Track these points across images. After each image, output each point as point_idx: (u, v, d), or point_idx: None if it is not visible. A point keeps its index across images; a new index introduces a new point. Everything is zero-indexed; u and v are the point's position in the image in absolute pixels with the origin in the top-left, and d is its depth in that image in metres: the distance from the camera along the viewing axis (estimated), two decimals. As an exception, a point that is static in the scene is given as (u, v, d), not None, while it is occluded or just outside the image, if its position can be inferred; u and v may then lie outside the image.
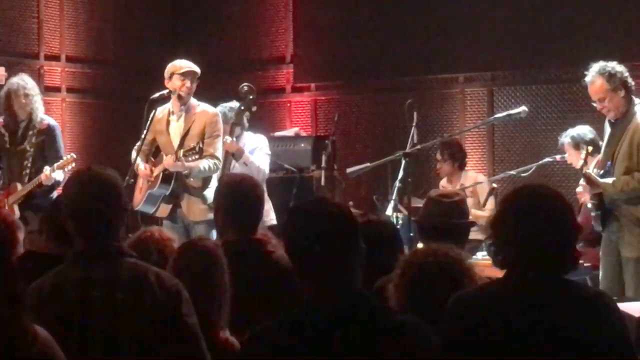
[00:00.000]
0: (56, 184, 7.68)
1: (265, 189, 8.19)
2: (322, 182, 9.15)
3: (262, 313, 4.19)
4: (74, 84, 10.60)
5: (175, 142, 7.49)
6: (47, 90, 10.35)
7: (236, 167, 7.95)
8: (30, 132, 7.78)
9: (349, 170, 7.59)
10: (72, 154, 7.72)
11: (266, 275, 4.46)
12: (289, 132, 10.32)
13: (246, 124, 8.14)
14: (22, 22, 10.26)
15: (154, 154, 7.74)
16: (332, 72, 10.96)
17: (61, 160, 7.61)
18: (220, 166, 7.54)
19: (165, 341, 3.43)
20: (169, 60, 7.74)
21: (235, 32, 11.41)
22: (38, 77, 10.34)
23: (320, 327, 2.95)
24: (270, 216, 8.20)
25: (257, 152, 8.13)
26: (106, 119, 9.91)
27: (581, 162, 6.72)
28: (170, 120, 7.61)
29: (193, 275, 3.85)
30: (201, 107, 7.60)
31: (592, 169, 6.68)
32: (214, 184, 7.36)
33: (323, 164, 9.20)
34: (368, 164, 7.37)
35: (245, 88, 8.12)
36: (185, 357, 3.48)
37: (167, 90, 7.53)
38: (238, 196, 4.76)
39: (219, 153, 7.52)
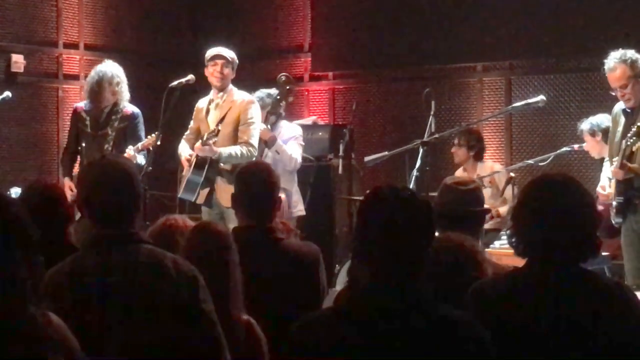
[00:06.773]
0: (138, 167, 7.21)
1: (295, 179, 8.25)
2: (340, 171, 9.16)
3: (266, 300, 4.24)
4: (93, 72, 10.60)
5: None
6: (66, 78, 10.39)
7: (268, 155, 7.99)
8: (113, 117, 7.76)
9: (366, 158, 7.59)
10: (154, 134, 7.54)
11: (273, 263, 4.50)
12: (307, 120, 10.32)
13: (282, 113, 8.21)
14: (41, 10, 10.28)
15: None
16: (350, 61, 10.95)
17: (145, 140, 7.54)
18: (255, 153, 7.56)
19: (182, 326, 3.44)
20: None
21: (253, 20, 11.41)
22: (57, 65, 10.39)
23: (377, 316, 2.89)
24: (298, 207, 8.23)
25: (292, 142, 8.16)
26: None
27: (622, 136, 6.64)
28: (209, 109, 7.71)
29: (206, 257, 3.86)
30: (238, 95, 7.68)
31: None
32: None
33: (341, 153, 9.20)
34: (386, 153, 7.36)
35: (283, 78, 8.20)
36: (202, 342, 3.49)
37: (186, 78, 7.59)
38: (249, 185, 4.79)
39: (254, 140, 7.55)
